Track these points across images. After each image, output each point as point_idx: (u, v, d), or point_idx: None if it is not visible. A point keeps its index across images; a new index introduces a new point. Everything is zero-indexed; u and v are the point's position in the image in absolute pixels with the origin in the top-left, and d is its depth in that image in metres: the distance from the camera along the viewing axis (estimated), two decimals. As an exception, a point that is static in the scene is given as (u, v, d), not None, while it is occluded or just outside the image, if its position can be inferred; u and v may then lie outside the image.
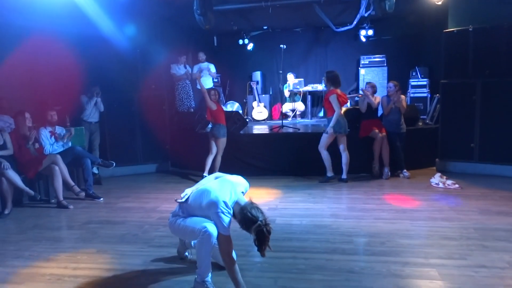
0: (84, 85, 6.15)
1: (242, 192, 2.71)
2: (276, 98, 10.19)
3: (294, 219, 4.16)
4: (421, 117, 7.46)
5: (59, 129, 5.32)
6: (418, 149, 6.33)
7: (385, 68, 9.24)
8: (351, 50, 10.06)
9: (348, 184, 5.58)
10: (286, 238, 3.62)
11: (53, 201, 5.13)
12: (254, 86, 9.87)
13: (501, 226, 3.73)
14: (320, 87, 9.29)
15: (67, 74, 5.86)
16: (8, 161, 4.63)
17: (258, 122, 9.51)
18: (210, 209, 2.56)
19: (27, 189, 4.72)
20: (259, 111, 9.67)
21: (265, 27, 10.13)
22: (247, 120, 7.91)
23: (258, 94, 9.73)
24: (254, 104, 9.72)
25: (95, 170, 6.00)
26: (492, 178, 5.55)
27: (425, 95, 8.29)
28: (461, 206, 4.43)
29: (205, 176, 4.29)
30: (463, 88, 5.92)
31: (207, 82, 7.99)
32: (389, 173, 5.81)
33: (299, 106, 9.63)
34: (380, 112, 6.13)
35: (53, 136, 5.23)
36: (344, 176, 5.70)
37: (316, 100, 9.97)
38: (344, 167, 5.70)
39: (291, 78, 9.74)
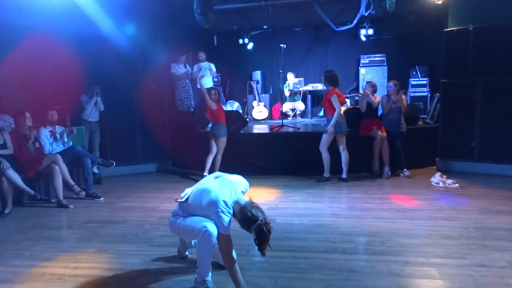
0: (84, 84, 6.15)
1: (242, 192, 2.71)
2: (276, 98, 10.18)
3: (294, 218, 4.16)
4: (421, 116, 7.45)
5: (59, 129, 5.32)
6: (418, 149, 6.33)
7: (385, 68, 9.21)
8: (351, 50, 10.03)
9: (348, 184, 5.58)
10: (286, 237, 3.62)
11: (53, 200, 5.13)
12: (254, 86, 9.86)
13: (501, 225, 3.73)
14: (320, 86, 9.27)
15: (67, 74, 5.87)
16: (8, 161, 4.62)
17: (258, 121, 9.50)
18: (210, 208, 2.56)
19: (27, 188, 4.72)
20: (259, 110, 9.66)
21: (265, 27, 10.11)
22: (247, 119, 7.91)
23: (258, 94, 9.72)
24: (254, 103, 9.71)
25: (95, 170, 6.01)
26: (492, 177, 5.56)
27: (425, 94, 8.28)
28: (461, 205, 4.43)
29: (205, 176, 4.28)
30: (463, 87, 5.92)
31: (207, 82, 7.98)
32: (389, 173, 5.81)
33: (299, 105, 9.62)
34: (380, 112, 6.13)
35: (53, 136, 5.22)
36: (344, 175, 5.71)
37: (316, 100, 9.95)
38: (344, 167, 5.71)
39: (291, 77, 9.74)
